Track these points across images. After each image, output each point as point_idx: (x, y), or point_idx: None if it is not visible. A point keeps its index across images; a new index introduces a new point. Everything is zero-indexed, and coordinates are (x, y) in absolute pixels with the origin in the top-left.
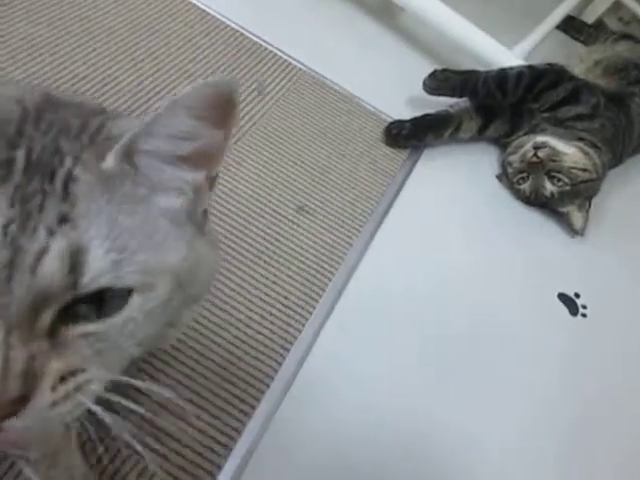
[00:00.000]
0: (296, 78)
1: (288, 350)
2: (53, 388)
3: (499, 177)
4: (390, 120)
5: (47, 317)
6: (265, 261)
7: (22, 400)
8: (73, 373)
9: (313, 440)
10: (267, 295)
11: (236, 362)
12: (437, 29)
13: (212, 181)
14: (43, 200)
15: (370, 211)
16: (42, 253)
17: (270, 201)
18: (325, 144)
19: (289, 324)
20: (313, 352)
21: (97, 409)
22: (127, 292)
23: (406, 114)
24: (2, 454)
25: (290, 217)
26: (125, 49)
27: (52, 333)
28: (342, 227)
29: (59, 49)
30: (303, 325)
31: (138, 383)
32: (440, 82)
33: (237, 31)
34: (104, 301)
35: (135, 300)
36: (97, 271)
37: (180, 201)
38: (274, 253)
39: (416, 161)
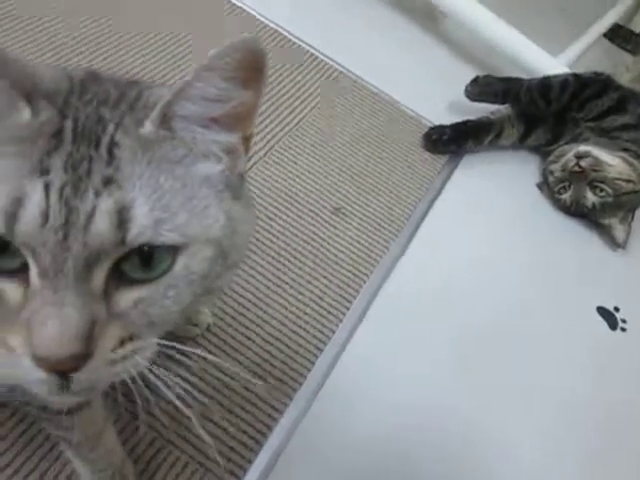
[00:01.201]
0: (336, 81)
1: (321, 350)
2: (112, 350)
3: (539, 186)
4: (430, 125)
5: (101, 275)
6: (301, 261)
7: (84, 357)
8: (130, 338)
9: (343, 439)
10: (302, 294)
11: (269, 359)
12: (480, 35)
13: (246, 144)
14: (90, 165)
15: (407, 215)
16: (92, 212)
17: (308, 202)
18: (363, 147)
19: (323, 324)
20: (346, 352)
21: (148, 371)
22: (171, 256)
23: (446, 119)
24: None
25: (327, 218)
26: (166, 46)
27: (107, 297)
28: (378, 230)
29: (103, 45)
30: (337, 326)
31: (185, 348)
32: (482, 88)
33: (277, 31)
34: (150, 265)
35: (179, 264)
36: (142, 227)
37: (217, 167)
38: (310, 253)
39: (455, 167)
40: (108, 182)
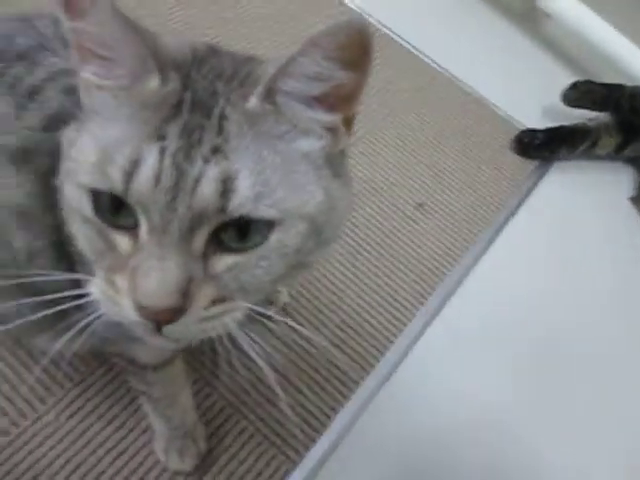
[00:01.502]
0: (429, 76)
1: (392, 342)
2: (205, 308)
3: (633, 200)
4: (522, 128)
5: (201, 239)
6: (380, 253)
7: (179, 311)
8: (222, 300)
9: (399, 437)
10: (378, 286)
11: (340, 345)
12: (582, 38)
13: (349, 123)
14: (202, 134)
15: (490, 218)
16: (199, 177)
17: (391, 195)
18: (451, 145)
19: (396, 317)
20: (415, 350)
21: (237, 331)
22: (267, 229)
23: (540, 123)
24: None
25: (409, 213)
26: (270, 35)
27: (205, 259)
28: (460, 230)
29: (214, 32)
30: (410, 320)
31: (269, 312)
32: (581, 94)
33: (376, 27)
34: (246, 236)
35: (273, 238)
36: (242, 199)
37: (318, 144)
38: (389, 246)
39: (544, 173)
40: (216, 151)
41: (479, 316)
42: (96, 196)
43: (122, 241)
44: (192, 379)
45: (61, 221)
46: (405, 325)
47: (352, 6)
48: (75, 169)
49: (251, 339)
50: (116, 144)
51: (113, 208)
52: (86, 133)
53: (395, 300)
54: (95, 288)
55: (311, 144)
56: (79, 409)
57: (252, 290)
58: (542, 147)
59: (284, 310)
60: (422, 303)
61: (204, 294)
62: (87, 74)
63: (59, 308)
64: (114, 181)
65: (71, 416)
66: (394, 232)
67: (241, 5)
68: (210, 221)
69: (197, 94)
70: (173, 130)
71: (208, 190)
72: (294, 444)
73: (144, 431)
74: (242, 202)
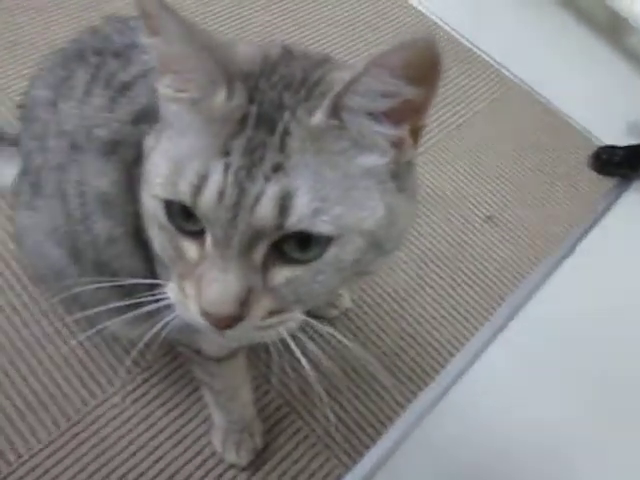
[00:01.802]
0: (505, 87)
1: (453, 355)
2: (261, 318)
3: None
4: (600, 144)
5: (260, 252)
6: (445, 264)
7: (238, 318)
8: (279, 311)
9: (453, 453)
10: (441, 297)
11: (400, 354)
12: None
13: (416, 135)
14: (264, 151)
15: (562, 235)
16: (260, 196)
17: (459, 206)
18: (525, 158)
19: (458, 331)
20: (477, 365)
21: (290, 341)
22: (325, 244)
23: (621, 140)
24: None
25: (477, 226)
26: (344, 42)
27: (264, 272)
28: (530, 245)
29: (291, 35)
30: (472, 335)
31: (325, 328)
32: None
33: (451, 35)
34: (304, 249)
35: (330, 253)
36: (300, 216)
37: (382, 160)
38: (455, 258)
39: (623, 192)
40: (277, 169)
41: (544, 335)
42: (168, 204)
43: (190, 249)
44: (252, 375)
45: (140, 212)
46: (467, 339)
47: (428, 14)
48: (150, 181)
49: (303, 346)
50: (185, 158)
51: (184, 214)
52: (160, 146)
53: (458, 313)
54: (171, 292)
55: (374, 160)
56: (144, 394)
57: (308, 301)
58: (622, 164)
59: (345, 315)
60: (486, 318)
61: (261, 305)
62: (164, 86)
63: (134, 300)
64: (183, 194)
65: (136, 400)
66: (461, 244)
67: (318, 10)
68: (269, 236)
69: (263, 107)
70: (237, 146)
71: (266, 209)
72: (348, 449)
73: (203, 421)
74: (299, 219)
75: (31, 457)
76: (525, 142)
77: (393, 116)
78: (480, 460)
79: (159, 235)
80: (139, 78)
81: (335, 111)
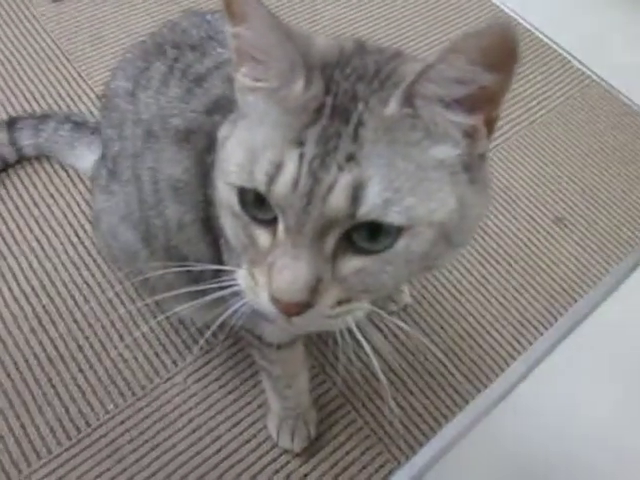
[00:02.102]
0: (583, 86)
1: (514, 358)
2: (331, 307)
3: None
4: None
5: (331, 241)
6: (511, 265)
7: (306, 306)
8: (347, 301)
9: (506, 456)
10: (505, 298)
11: (459, 354)
12: None
13: (491, 125)
14: (338, 141)
15: (637, 240)
16: (333, 185)
17: (528, 206)
18: (601, 160)
19: (521, 334)
20: (537, 371)
21: (357, 327)
22: (395, 235)
23: None
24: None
25: (546, 227)
26: (418, 35)
27: (334, 261)
28: (601, 249)
29: (362, 30)
30: (535, 339)
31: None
32: None
33: (527, 29)
34: (374, 240)
35: (400, 244)
36: (372, 205)
37: (454, 151)
38: (522, 259)
39: None
40: (350, 158)
41: (611, 344)
42: (242, 192)
43: (262, 237)
44: (310, 364)
45: (210, 199)
46: (530, 342)
47: (504, 7)
48: (225, 169)
49: (369, 336)
50: (261, 147)
51: (257, 203)
52: (236, 135)
53: (522, 316)
54: (241, 279)
55: (447, 151)
56: (205, 376)
57: (376, 292)
58: None
59: (405, 311)
60: (551, 323)
61: (330, 294)
62: (242, 76)
63: (204, 286)
64: (258, 182)
65: (197, 381)
66: (528, 245)
67: (390, 4)
68: (340, 225)
69: (337, 98)
70: (312, 136)
71: (339, 198)
72: (401, 445)
73: (260, 406)
74: (371, 209)
75: (97, 427)
76: (601, 142)
77: (467, 104)
78: (535, 467)
79: (232, 223)
80: (214, 70)
81: (409, 99)
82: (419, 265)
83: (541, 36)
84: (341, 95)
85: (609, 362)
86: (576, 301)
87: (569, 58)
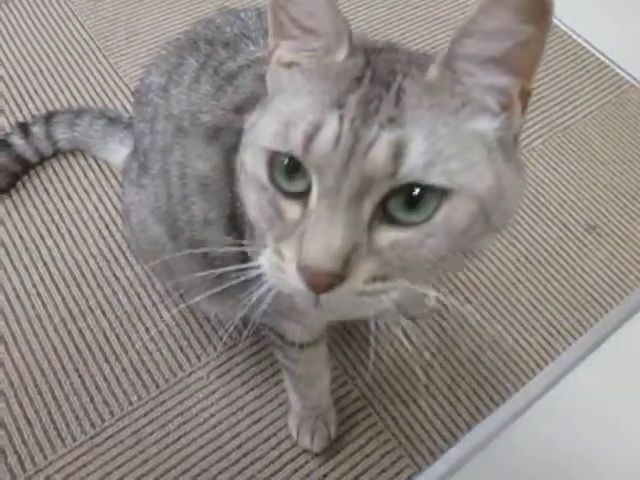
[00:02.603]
0: (621, 91)
1: (541, 368)
2: (364, 282)
3: None
4: None
5: (369, 206)
6: (540, 272)
7: (338, 278)
8: (382, 278)
9: (526, 470)
10: (533, 306)
11: (486, 361)
12: None
13: (524, 101)
14: (379, 104)
15: None
16: (373, 142)
17: (560, 213)
18: (637, 168)
19: (549, 343)
20: (563, 382)
21: (393, 311)
22: (436, 203)
23: None
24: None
25: (578, 235)
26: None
27: (370, 233)
28: (635, 260)
29: (392, 31)
30: (564, 349)
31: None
32: None
33: (566, 33)
34: (414, 209)
35: (441, 214)
36: (414, 164)
37: (492, 124)
38: (551, 267)
39: None
40: (392, 120)
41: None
42: (272, 162)
43: (291, 209)
44: (332, 365)
45: (236, 197)
46: (558, 353)
47: None
48: (256, 138)
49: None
50: (299, 113)
51: (287, 173)
52: (269, 112)
53: (550, 324)
54: (264, 259)
55: (485, 124)
56: (227, 371)
57: (413, 270)
58: None
59: (430, 315)
60: (580, 333)
61: (365, 268)
62: (282, 51)
63: (227, 284)
64: (294, 144)
65: (219, 377)
66: (559, 252)
67: (422, 6)
68: (379, 187)
69: (377, 72)
70: (352, 100)
71: (380, 154)
72: (422, 450)
73: (280, 404)
74: (413, 167)
75: (121, 418)
76: (638, 150)
77: (506, 63)
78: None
79: (257, 197)
80: (245, 68)
81: (449, 62)
82: (459, 243)
83: (579, 39)
84: (380, 70)
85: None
86: (607, 312)
87: (607, 62)
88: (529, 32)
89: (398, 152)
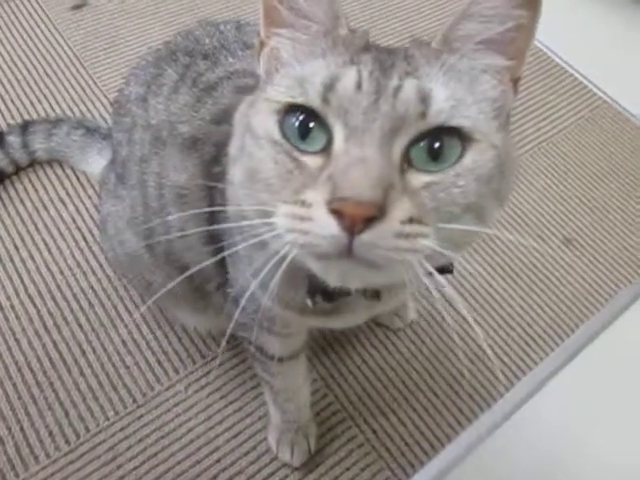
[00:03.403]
0: (595, 107)
1: (519, 378)
2: (401, 222)
3: None
4: None
5: (399, 148)
6: (516, 282)
7: (376, 216)
8: (418, 221)
9: (508, 476)
10: (510, 317)
11: (464, 372)
12: None
13: (515, 86)
14: (393, 61)
15: None
16: (399, 87)
17: (537, 225)
18: (612, 182)
19: (527, 354)
20: (542, 392)
21: (425, 262)
22: (460, 150)
23: None
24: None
25: (554, 247)
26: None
27: (402, 174)
28: (611, 272)
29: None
30: (541, 359)
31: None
32: None
33: (541, 50)
34: (438, 160)
35: (469, 157)
36: (441, 107)
37: (495, 91)
38: (527, 277)
39: None
40: (408, 74)
41: (617, 366)
42: (283, 123)
43: (312, 161)
44: (312, 377)
45: (214, 204)
46: (536, 363)
47: None
48: (270, 89)
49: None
50: (314, 69)
51: (300, 134)
52: (276, 78)
53: (528, 335)
54: (280, 217)
55: (490, 89)
56: (206, 385)
57: (445, 216)
58: None
59: (410, 327)
60: (557, 344)
61: (402, 206)
62: (281, 38)
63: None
64: (311, 93)
65: (197, 390)
66: (535, 264)
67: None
68: (409, 128)
69: (380, 47)
70: (366, 58)
71: (410, 94)
72: (402, 462)
73: (260, 418)
74: (441, 109)
75: (97, 433)
76: (613, 164)
77: (501, 45)
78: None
79: (271, 153)
80: (224, 79)
81: (447, 42)
82: (483, 192)
83: (553, 56)
84: (380, 49)
85: (616, 384)
86: (583, 322)
87: (581, 79)
88: (522, 16)
89: (424, 95)
